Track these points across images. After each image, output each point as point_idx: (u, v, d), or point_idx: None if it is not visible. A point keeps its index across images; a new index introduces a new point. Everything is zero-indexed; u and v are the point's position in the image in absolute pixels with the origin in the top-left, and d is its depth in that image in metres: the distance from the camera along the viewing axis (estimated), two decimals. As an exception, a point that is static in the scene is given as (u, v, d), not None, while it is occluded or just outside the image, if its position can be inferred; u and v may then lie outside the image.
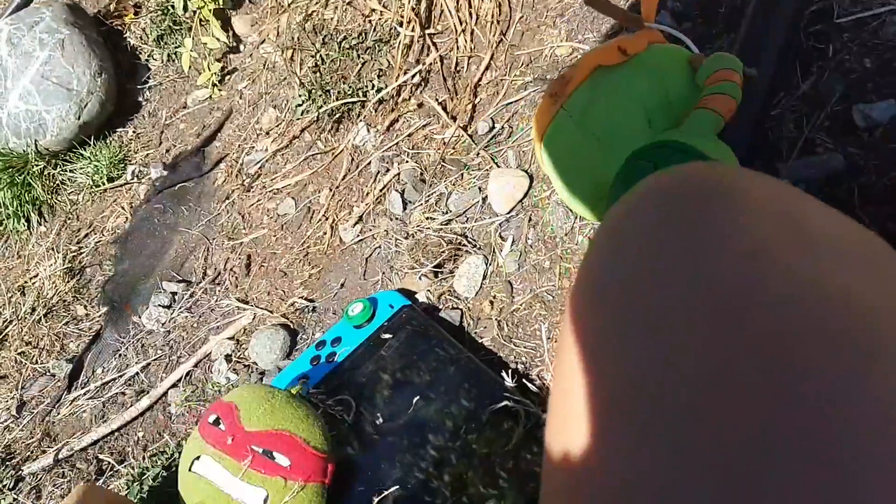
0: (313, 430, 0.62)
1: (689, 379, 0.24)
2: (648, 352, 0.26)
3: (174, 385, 0.92)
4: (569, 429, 0.28)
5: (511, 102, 0.90)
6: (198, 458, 0.62)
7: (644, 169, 0.57)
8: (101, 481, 0.85)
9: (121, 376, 0.99)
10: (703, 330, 0.25)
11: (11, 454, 0.98)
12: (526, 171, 0.81)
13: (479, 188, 0.85)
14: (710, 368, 0.24)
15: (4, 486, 0.92)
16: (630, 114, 0.59)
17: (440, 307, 0.78)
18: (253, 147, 1.17)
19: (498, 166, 0.85)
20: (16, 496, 0.90)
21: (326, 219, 0.99)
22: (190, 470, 0.62)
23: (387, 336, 0.74)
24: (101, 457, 0.90)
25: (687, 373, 0.24)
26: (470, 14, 0.98)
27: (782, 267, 0.26)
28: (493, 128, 0.90)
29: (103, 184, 1.33)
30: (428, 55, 1.01)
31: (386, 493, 0.61)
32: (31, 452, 0.97)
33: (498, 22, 0.95)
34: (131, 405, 0.93)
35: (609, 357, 0.28)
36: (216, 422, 0.63)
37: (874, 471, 0.20)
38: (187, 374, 0.92)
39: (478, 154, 0.89)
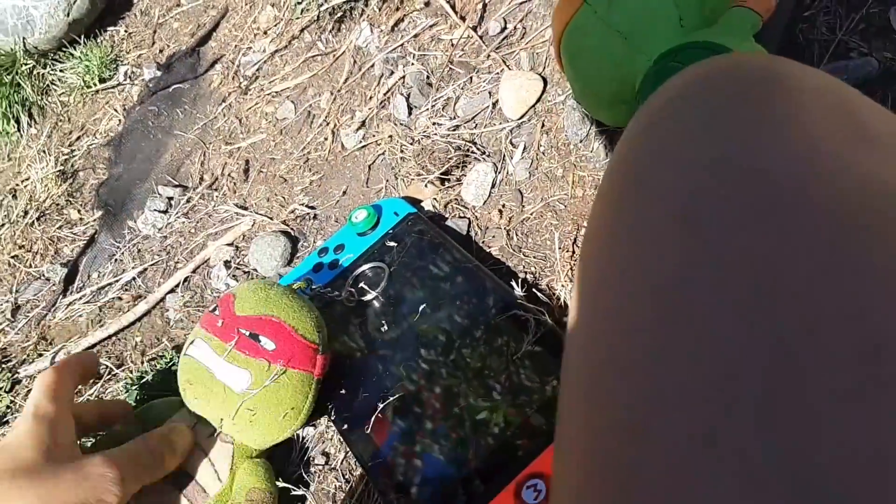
0: (304, 320, 0.62)
1: (735, 274, 0.22)
2: (694, 243, 0.24)
3: (172, 290, 0.90)
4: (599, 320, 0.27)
5: (524, 1, 0.85)
6: (192, 342, 0.62)
7: (676, 70, 0.53)
8: (100, 385, 0.84)
9: (117, 281, 0.97)
10: (753, 226, 0.23)
11: (7, 357, 0.97)
12: (540, 75, 0.77)
13: (490, 92, 0.82)
14: (758, 265, 0.22)
15: (1, 389, 0.91)
16: (660, 9, 0.55)
17: (447, 216, 0.75)
18: (250, 48, 1.12)
19: (510, 69, 0.81)
20: (13, 398, 0.89)
21: (327, 124, 0.95)
22: (185, 354, 0.62)
23: (392, 244, 0.72)
24: (101, 356, 0.89)
25: (734, 268, 0.22)
26: None
27: (838, 162, 0.25)
28: (505, 28, 0.86)
29: (95, 85, 1.28)
30: (436, -50, 0.95)
31: (390, 399, 0.60)
32: (28, 356, 0.96)
33: (512, -86, 0.89)
34: (128, 310, 0.92)
35: (653, 247, 0.25)
36: (214, 310, 0.62)
37: None
38: (185, 279, 0.90)
39: (488, 56, 0.85)
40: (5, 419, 0.88)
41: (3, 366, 0.95)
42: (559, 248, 0.65)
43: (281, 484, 0.61)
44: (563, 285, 0.60)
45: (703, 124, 0.28)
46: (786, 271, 0.21)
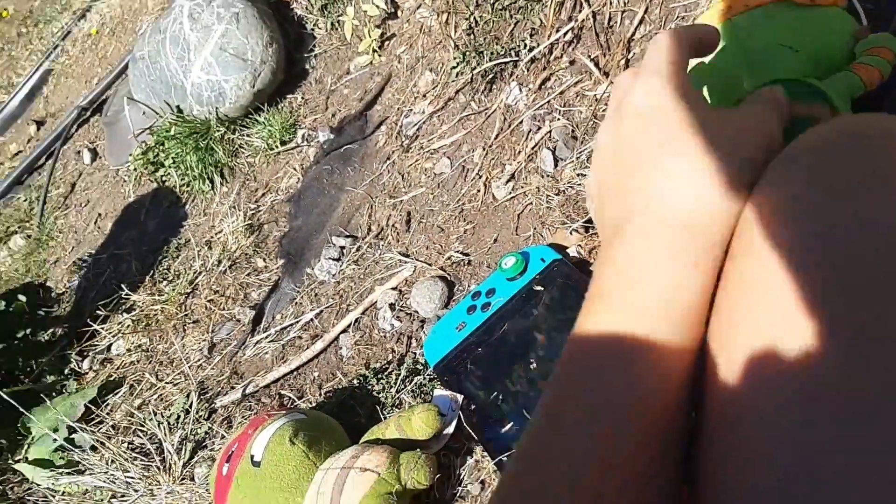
0: None
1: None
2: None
3: (344, 330, 1.01)
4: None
5: (664, 57, 0.90)
6: None
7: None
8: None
9: (297, 322, 1.09)
10: (872, 261, 0.29)
11: (205, 389, 1.11)
12: (678, 126, 0.81)
13: (631, 144, 0.86)
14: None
15: (200, 416, 1.05)
16: (789, 53, 0.59)
17: (590, 261, 0.81)
18: (411, 109, 1.23)
19: (650, 122, 0.86)
20: (210, 425, 1.02)
21: (480, 177, 1.03)
22: None
23: (539, 288, 0.78)
24: (282, 392, 1.00)
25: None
26: (623, -31, 0.98)
27: None
28: (646, 83, 0.91)
29: (276, 147, 1.45)
30: (580, 11, 1.02)
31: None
32: (222, 388, 1.09)
33: (651, -25, 0.94)
34: (307, 348, 1.03)
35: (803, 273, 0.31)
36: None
37: None
38: (356, 320, 1.00)
39: (630, 110, 0.90)
40: (204, 444, 1.01)
41: (202, 396, 1.09)
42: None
43: (441, 505, 0.68)
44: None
45: (832, 182, 0.33)
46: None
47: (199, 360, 1.17)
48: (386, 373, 0.89)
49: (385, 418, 0.81)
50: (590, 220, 0.81)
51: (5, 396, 1.07)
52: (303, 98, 1.51)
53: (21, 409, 1.12)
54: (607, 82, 0.94)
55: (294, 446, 0.72)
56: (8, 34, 3.83)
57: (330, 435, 0.77)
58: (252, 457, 0.72)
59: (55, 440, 1.18)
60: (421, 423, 0.72)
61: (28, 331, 1.56)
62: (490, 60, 1.09)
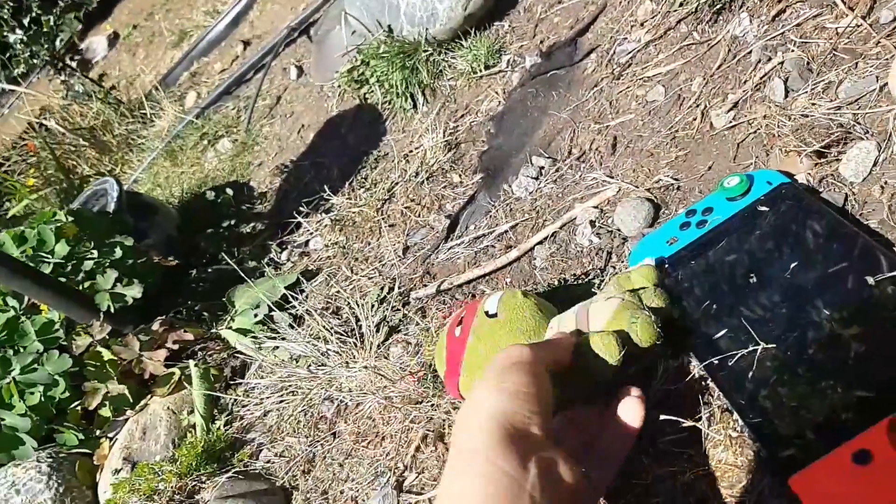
0: None
1: None
2: None
3: (540, 242, 1.03)
4: None
5: (926, -12, 0.84)
6: None
7: None
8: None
9: (491, 232, 1.13)
10: None
11: (400, 284, 1.17)
12: (939, 57, 0.76)
13: (877, 77, 0.82)
14: None
15: (395, 306, 1.11)
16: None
17: (820, 190, 0.78)
18: (625, 38, 1.22)
19: (902, 54, 0.81)
20: (406, 312, 1.08)
21: (697, 105, 1.01)
22: None
23: (763, 209, 0.76)
24: (475, 293, 1.04)
25: None
26: None
27: None
28: (899, 16, 0.85)
29: (480, 71, 1.48)
30: (830, -58, 0.97)
31: (753, 349, 0.64)
32: (415, 285, 1.15)
33: None
34: (500, 256, 1.06)
35: None
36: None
37: None
38: (552, 234, 1.02)
39: (877, 43, 0.85)
40: (399, 329, 1.07)
41: (398, 289, 1.15)
42: (948, 222, 0.65)
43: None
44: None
45: None
46: None
47: (392, 259, 1.24)
48: (586, 279, 0.90)
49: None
50: (827, 146, 0.78)
51: (230, 262, 1.18)
52: (510, 25, 1.53)
53: (242, 275, 1.22)
54: (852, 16, 0.90)
55: (527, 299, 0.78)
56: (213, -36, 4.10)
57: (549, 308, 0.81)
58: (486, 311, 0.78)
59: (256, 315, 1.29)
60: (640, 277, 0.73)
61: (233, 221, 1.70)
62: (720, -10, 1.07)
